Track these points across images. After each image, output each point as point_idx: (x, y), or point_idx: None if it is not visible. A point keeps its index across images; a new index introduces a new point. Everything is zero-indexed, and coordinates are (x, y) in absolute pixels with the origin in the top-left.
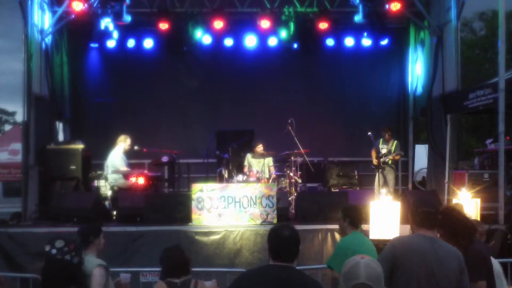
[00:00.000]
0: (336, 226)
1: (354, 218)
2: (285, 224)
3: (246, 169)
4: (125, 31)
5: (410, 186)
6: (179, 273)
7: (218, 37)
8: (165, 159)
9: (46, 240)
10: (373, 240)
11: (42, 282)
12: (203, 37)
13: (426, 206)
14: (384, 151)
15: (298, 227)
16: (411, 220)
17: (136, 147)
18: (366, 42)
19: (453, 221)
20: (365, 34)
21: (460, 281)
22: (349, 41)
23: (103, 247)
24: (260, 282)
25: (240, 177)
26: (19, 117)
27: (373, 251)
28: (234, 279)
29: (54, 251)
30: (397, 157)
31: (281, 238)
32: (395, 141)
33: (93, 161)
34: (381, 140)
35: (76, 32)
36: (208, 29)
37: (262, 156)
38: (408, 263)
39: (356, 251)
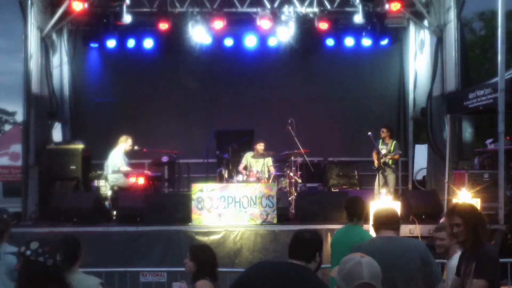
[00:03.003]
0: (336, 226)
1: (350, 212)
2: (310, 229)
3: (241, 167)
4: (125, 31)
5: (410, 186)
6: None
7: (218, 37)
8: (165, 159)
9: (23, 242)
10: None
11: (18, 282)
12: (203, 37)
13: (385, 210)
14: (384, 151)
15: (298, 227)
16: (372, 222)
17: (136, 147)
18: (366, 42)
19: (474, 214)
20: (365, 34)
21: (424, 272)
22: (349, 41)
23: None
24: (266, 275)
25: (240, 177)
26: (19, 117)
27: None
28: (247, 268)
29: (28, 252)
30: (397, 157)
31: (300, 240)
32: (394, 141)
33: (93, 161)
34: (380, 140)
35: (76, 32)
36: (208, 29)
37: (262, 156)
38: None
39: (341, 244)
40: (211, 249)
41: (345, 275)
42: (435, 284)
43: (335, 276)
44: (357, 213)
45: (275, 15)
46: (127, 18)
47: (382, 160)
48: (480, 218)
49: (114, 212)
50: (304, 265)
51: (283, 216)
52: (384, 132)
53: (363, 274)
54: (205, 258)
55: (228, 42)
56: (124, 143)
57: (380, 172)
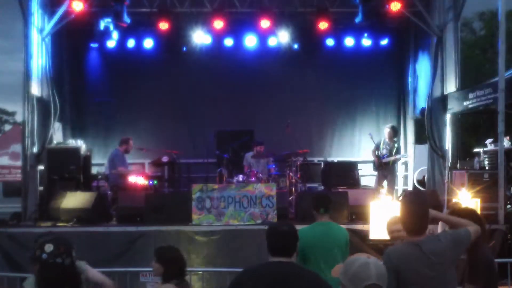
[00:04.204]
0: None
1: (315, 204)
2: (282, 221)
3: (246, 169)
4: (125, 31)
5: (410, 186)
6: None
7: (218, 37)
8: (165, 159)
9: (36, 245)
10: (373, 240)
11: (38, 285)
12: (203, 37)
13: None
14: (384, 151)
15: (298, 227)
16: (403, 227)
17: (136, 147)
18: (366, 42)
19: (474, 216)
20: (365, 34)
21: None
22: (349, 41)
23: None
24: (260, 277)
25: (240, 177)
26: (19, 117)
27: (335, 241)
28: (235, 276)
29: (45, 255)
30: (399, 158)
31: (280, 234)
32: (396, 143)
33: (93, 161)
34: (382, 140)
35: (76, 32)
36: (208, 29)
37: (262, 156)
38: (403, 274)
39: (309, 242)
40: (177, 250)
41: (352, 276)
42: (468, 235)
43: (340, 277)
44: (329, 207)
45: (275, 15)
46: (127, 18)
47: (383, 161)
48: (479, 220)
49: (114, 212)
50: (289, 260)
51: (283, 216)
52: (388, 132)
53: (371, 275)
54: (171, 259)
55: (228, 42)
56: (125, 144)
57: (380, 172)
